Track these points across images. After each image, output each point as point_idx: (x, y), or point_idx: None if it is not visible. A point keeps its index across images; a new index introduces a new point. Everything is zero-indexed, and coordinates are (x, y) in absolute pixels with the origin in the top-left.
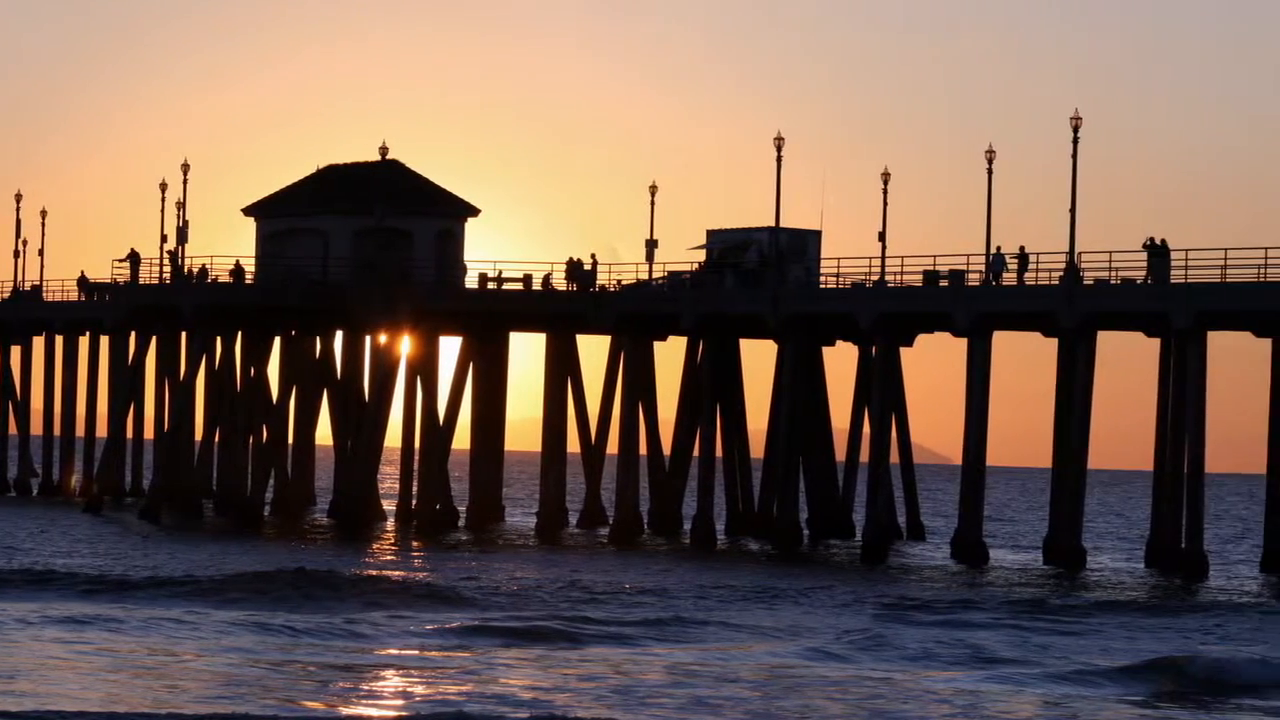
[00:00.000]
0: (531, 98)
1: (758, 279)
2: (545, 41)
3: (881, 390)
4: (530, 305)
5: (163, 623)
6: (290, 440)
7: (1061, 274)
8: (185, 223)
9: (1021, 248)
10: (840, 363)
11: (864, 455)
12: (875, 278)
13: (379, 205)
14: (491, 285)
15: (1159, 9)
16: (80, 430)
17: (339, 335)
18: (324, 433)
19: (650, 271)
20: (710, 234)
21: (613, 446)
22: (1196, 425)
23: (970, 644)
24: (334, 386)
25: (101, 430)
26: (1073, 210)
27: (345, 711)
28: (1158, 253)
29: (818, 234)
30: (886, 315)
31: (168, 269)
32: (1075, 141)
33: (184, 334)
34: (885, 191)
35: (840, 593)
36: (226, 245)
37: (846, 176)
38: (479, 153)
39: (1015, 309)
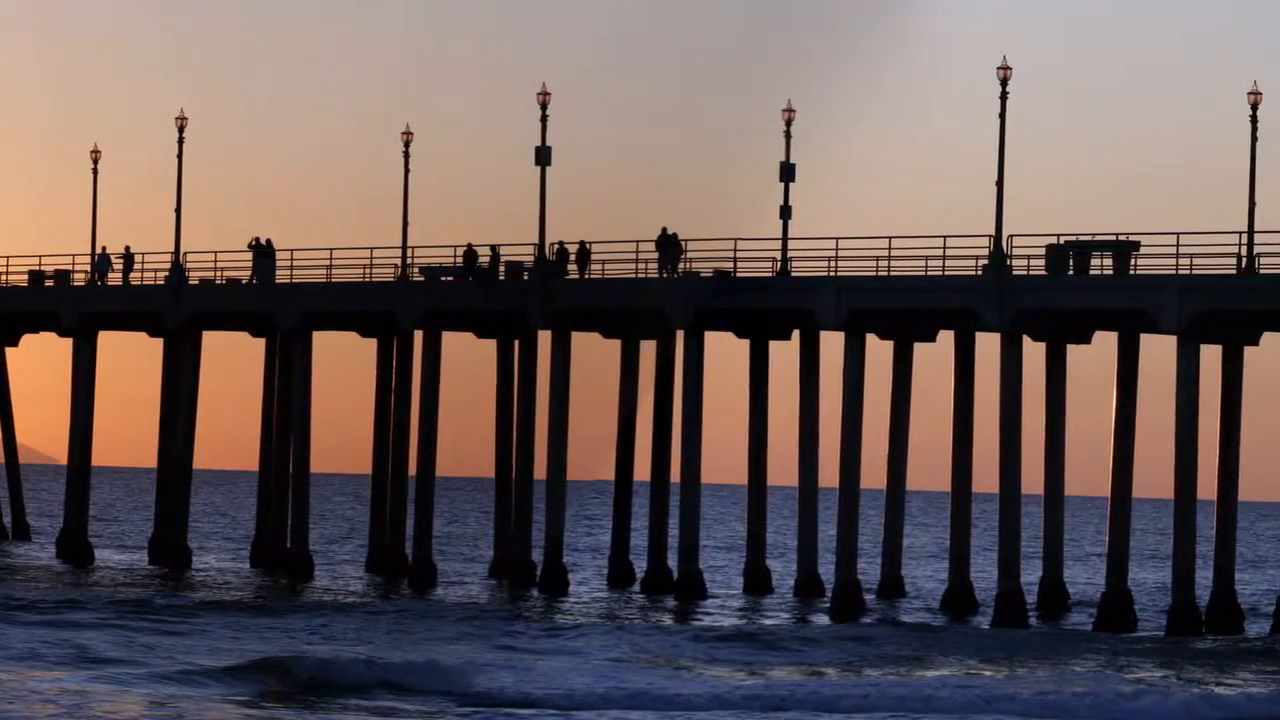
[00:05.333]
0: None
1: None
2: None
3: None
4: None
5: None
6: None
7: (167, 274)
8: None
9: (127, 247)
10: None
11: None
12: None
13: None
14: None
15: (263, 9)
16: None
17: None
18: None
19: None
20: None
21: None
22: (302, 425)
23: (76, 644)
24: None
25: None
26: (178, 210)
27: None
28: (264, 253)
29: None
30: None
31: None
32: (181, 142)
33: None
34: None
35: None
36: None
37: None
38: None
39: (121, 309)
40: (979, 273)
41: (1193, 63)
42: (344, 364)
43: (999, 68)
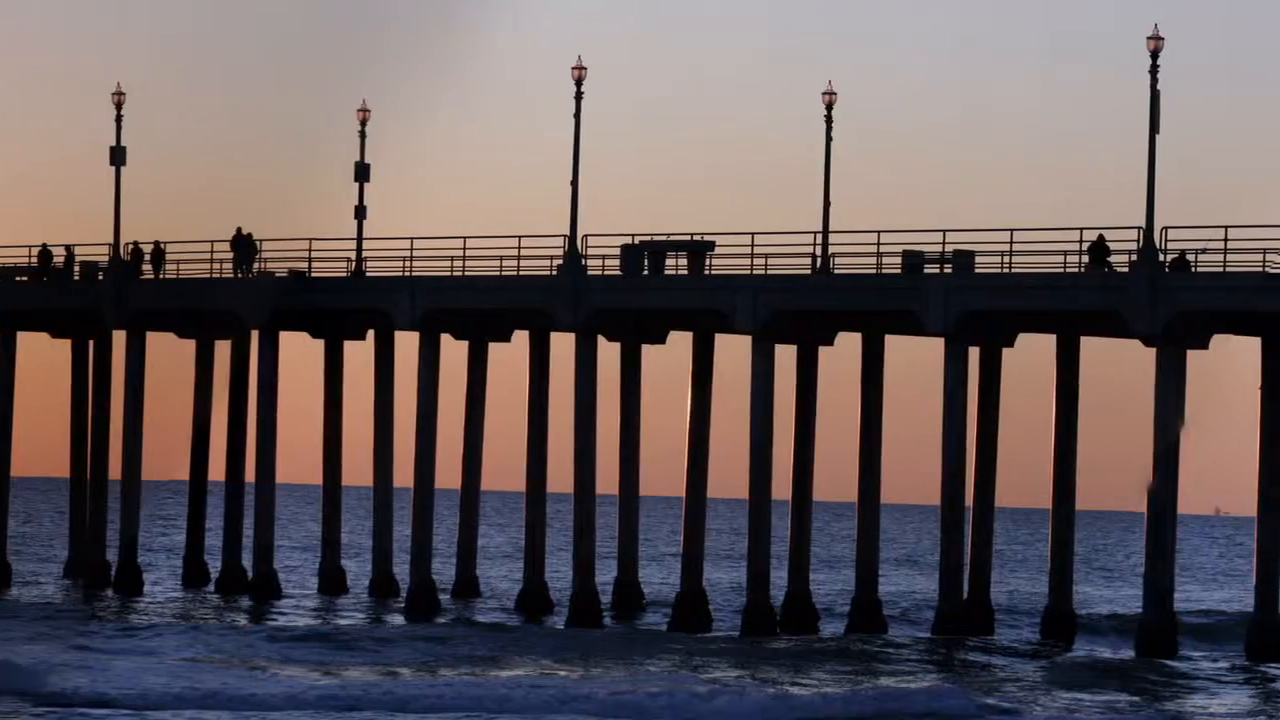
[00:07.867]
0: None
1: None
2: None
3: None
4: None
5: None
6: None
7: None
8: None
9: None
10: None
11: None
12: None
13: None
14: None
15: None
16: None
17: None
18: None
19: None
20: None
21: None
22: None
23: None
24: None
25: None
26: None
27: None
28: None
29: None
30: None
31: None
32: None
33: None
34: None
35: None
36: None
37: None
38: None
39: None
40: (554, 273)
41: (768, 63)
42: None
43: (574, 68)
